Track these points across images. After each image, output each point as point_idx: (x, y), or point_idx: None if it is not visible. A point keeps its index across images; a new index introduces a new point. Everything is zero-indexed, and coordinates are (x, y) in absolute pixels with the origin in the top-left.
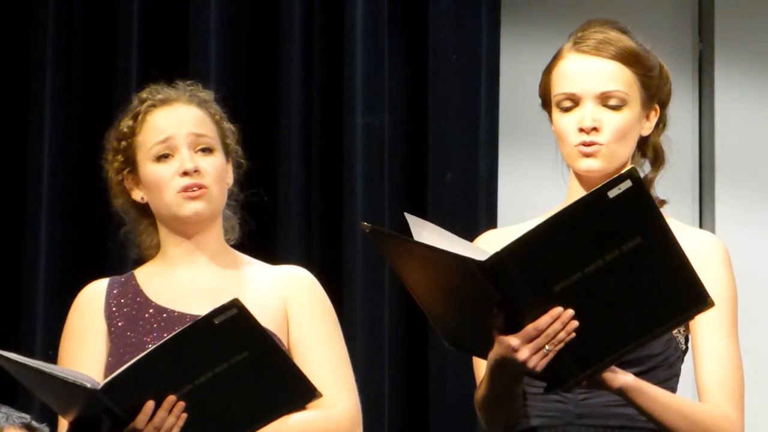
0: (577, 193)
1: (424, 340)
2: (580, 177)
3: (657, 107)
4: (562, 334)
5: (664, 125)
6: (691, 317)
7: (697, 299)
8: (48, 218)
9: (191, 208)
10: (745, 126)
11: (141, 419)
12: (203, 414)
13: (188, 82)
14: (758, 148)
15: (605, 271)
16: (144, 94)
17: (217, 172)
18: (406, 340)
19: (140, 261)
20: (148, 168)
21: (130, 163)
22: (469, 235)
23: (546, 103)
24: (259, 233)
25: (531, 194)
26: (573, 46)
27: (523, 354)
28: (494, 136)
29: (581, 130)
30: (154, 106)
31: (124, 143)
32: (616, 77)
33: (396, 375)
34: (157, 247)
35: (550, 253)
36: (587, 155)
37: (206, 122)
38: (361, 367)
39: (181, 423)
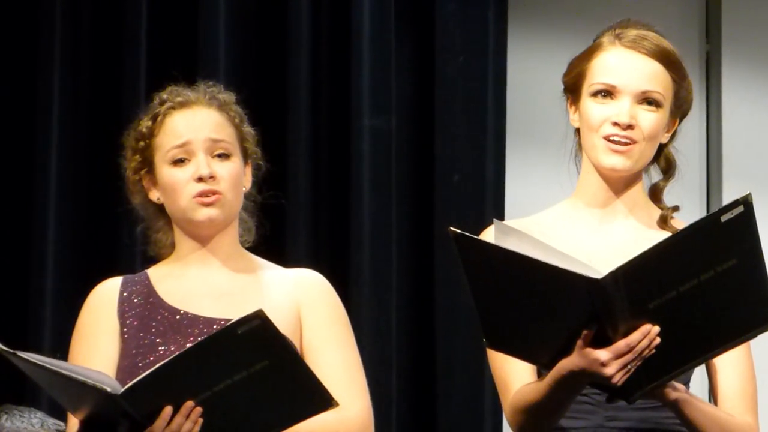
0: (591, 188)
1: (431, 341)
2: (600, 172)
3: (678, 119)
4: (646, 351)
5: (674, 137)
6: (756, 335)
7: (766, 317)
8: (56, 219)
9: (205, 213)
10: (752, 126)
11: (159, 424)
12: (219, 420)
13: (210, 83)
14: (765, 148)
15: (697, 290)
16: (164, 95)
17: (233, 178)
18: (414, 341)
19: (155, 258)
20: (165, 171)
21: (148, 164)
22: (477, 235)
23: (572, 89)
24: (267, 236)
25: (539, 195)
26: (616, 38)
27: (611, 369)
28: (502, 138)
29: (615, 124)
30: (173, 108)
31: (142, 143)
32: (658, 78)
33: (404, 376)
34: (172, 247)
35: (656, 272)
36: (616, 152)
37: (224, 126)
38: (369, 368)
39: (197, 429)
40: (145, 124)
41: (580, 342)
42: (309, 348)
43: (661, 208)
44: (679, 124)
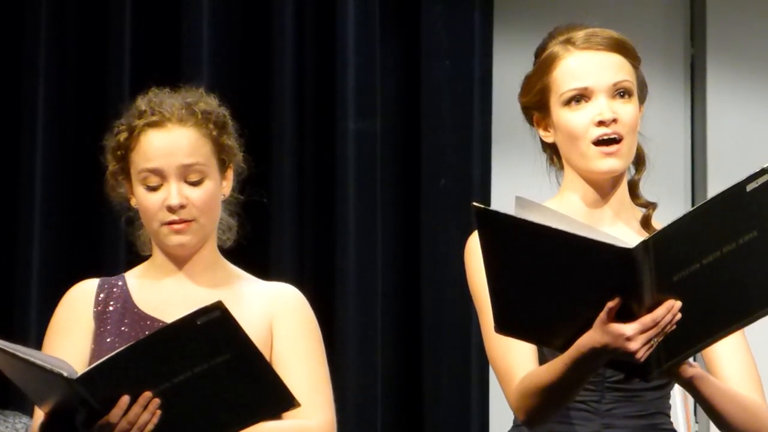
0: (577, 194)
1: (418, 345)
2: (587, 178)
3: (642, 105)
4: (668, 327)
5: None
6: None
7: None
8: (41, 221)
9: (176, 240)
10: (737, 129)
11: (115, 413)
12: (179, 413)
13: (191, 89)
14: (749, 151)
15: (719, 262)
16: (142, 105)
17: (206, 203)
18: (400, 345)
19: (139, 256)
20: (139, 191)
21: (126, 173)
22: (464, 239)
23: (538, 107)
24: (251, 239)
25: None
26: (567, 44)
27: (635, 344)
28: (488, 141)
29: (601, 123)
30: (149, 125)
31: (119, 152)
32: (623, 68)
33: (389, 379)
34: (151, 245)
35: (683, 243)
36: (609, 154)
37: (199, 145)
38: (354, 373)
39: (155, 420)
40: (123, 135)
41: (603, 317)
42: (278, 360)
43: (640, 205)
44: (641, 111)
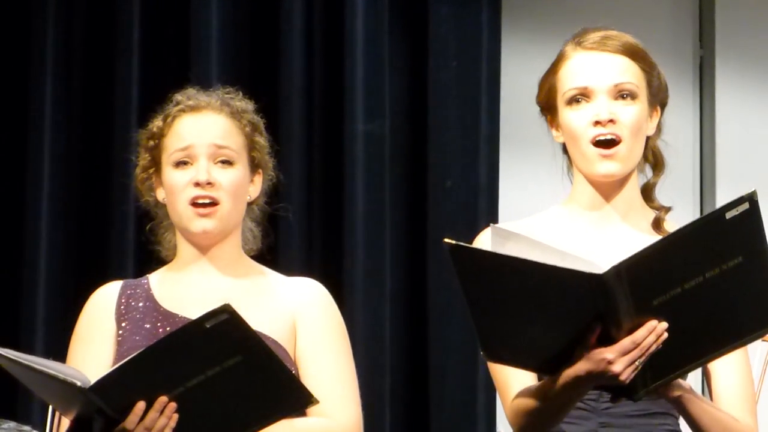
0: (584, 195)
1: (424, 347)
2: (591, 181)
3: (658, 109)
4: (653, 347)
5: (660, 130)
6: (764, 334)
7: None
8: (48, 224)
9: (200, 225)
10: (745, 130)
11: (131, 419)
12: (196, 416)
13: (227, 89)
14: (758, 151)
15: (702, 287)
16: (179, 96)
17: (234, 186)
18: (407, 348)
19: (157, 261)
20: (168, 172)
21: (156, 163)
22: (470, 240)
23: (548, 107)
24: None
25: (532, 200)
26: (577, 45)
27: (618, 367)
28: (495, 142)
29: (597, 123)
30: (183, 111)
31: (152, 143)
32: (627, 70)
33: (397, 381)
34: (176, 249)
35: (660, 269)
36: (606, 157)
37: (232, 134)
38: (362, 374)
39: (172, 424)
40: (156, 124)
41: (584, 344)
42: (302, 356)
43: (654, 208)
44: (661, 115)
